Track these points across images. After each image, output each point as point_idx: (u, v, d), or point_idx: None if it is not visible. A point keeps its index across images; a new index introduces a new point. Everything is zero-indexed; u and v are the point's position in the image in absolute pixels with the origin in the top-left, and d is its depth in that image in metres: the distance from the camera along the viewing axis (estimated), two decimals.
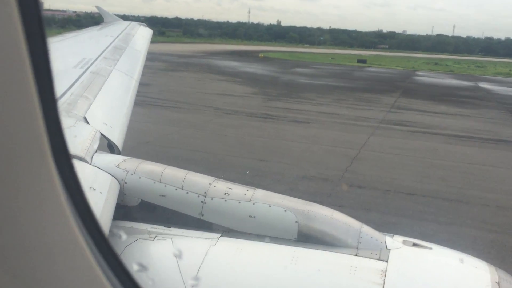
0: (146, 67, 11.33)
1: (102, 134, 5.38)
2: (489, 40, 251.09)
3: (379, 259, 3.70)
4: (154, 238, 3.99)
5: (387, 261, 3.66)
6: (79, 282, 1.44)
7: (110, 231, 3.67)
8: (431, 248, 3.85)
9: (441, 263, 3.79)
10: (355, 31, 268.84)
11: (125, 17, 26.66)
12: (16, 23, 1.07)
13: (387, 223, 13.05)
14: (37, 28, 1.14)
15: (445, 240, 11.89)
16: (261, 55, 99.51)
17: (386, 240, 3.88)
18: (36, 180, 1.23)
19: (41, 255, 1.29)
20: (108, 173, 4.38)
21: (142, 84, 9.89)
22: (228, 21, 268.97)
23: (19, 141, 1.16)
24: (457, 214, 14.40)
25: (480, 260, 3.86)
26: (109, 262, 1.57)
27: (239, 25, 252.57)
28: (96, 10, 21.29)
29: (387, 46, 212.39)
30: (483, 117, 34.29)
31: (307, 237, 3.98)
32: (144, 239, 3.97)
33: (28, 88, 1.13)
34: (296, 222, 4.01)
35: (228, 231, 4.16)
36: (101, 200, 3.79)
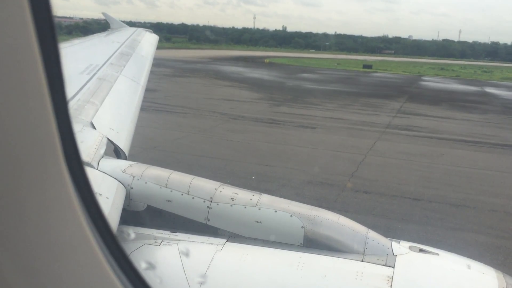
0: (152, 73, 11.38)
1: (108, 140, 5.41)
2: (495, 45, 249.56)
3: (385, 265, 3.68)
4: (160, 243, 3.99)
5: (393, 267, 3.64)
6: (91, 281, 1.48)
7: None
8: (437, 254, 3.83)
9: (448, 269, 3.77)
10: (360, 37, 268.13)
11: (131, 24, 26.85)
12: (29, 30, 1.09)
13: (394, 229, 13.00)
14: (50, 34, 1.17)
15: (452, 246, 11.82)
16: (267, 60, 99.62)
17: (392, 245, 3.86)
18: (49, 184, 1.26)
19: (54, 256, 1.32)
20: (115, 178, 4.40)
21: (148, 90, 9.93)
22: (233, 27, 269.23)
23: (33, 145, 1.18)
24: (464, 220, 14.31)
25: (487, 266, 3.84)
26: (119, 262, 1.60)
27: (245, 30, 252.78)
28: (102, 17, 21.46)
29: (392, 51, 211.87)
30: (490, 122, 34.11)
31: (313, 243, 3.97)
32: (150, 244, 3.98)
33: (42, 94, 1.16)
34: (302, 227, 4.01)
35: (234, 236, 4.16)
36: (107, 205, 3.80)
